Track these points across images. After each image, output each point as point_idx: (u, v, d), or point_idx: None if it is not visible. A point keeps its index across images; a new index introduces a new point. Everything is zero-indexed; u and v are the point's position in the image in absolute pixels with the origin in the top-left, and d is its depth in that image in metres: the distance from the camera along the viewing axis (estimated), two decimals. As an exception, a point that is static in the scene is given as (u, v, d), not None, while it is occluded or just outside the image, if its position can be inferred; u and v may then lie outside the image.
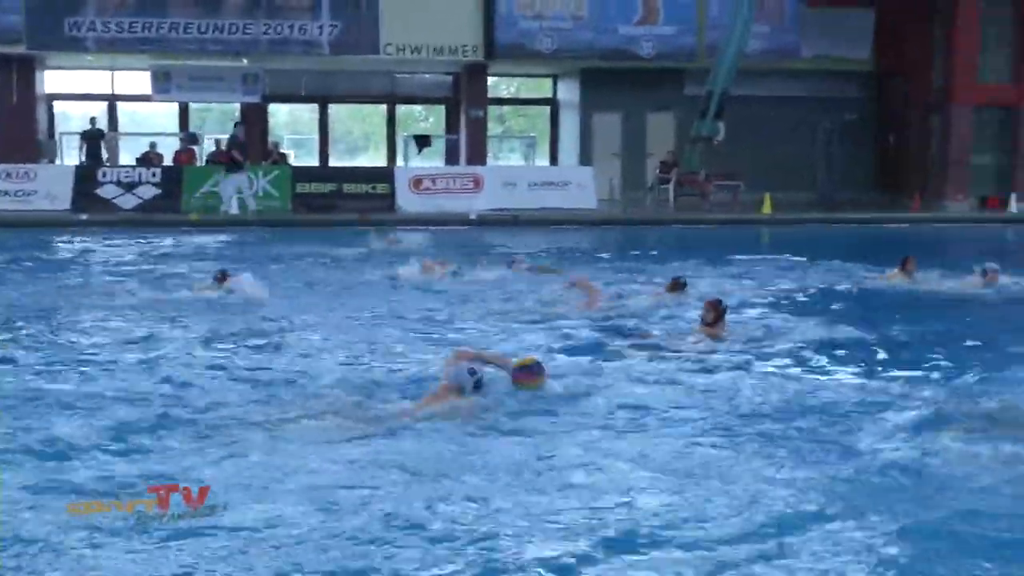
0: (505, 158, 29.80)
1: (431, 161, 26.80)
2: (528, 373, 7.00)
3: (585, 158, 26.29)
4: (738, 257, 15.28)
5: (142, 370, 7.85)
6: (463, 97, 26.57)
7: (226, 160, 21.87)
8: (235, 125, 23.12)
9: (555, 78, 28.40)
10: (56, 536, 4.62)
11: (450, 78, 27.57)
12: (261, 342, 8.95)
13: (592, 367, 7.85)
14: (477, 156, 25.69)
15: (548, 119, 29.12)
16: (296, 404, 6.85)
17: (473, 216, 21.74)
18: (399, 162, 26.48)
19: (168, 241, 18.06)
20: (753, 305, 11.14)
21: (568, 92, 27.80)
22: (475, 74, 25.93)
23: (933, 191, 24.80)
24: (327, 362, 8.18)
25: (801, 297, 12.05)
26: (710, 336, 8.85)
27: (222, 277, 11.39)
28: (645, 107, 26.69)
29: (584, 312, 10.24)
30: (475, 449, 5.92)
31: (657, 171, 24.87)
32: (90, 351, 8.56)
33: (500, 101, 29.84)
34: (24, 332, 9.37)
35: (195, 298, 11.00)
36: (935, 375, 7.94)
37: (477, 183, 23.39)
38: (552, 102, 28.89)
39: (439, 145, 27.44)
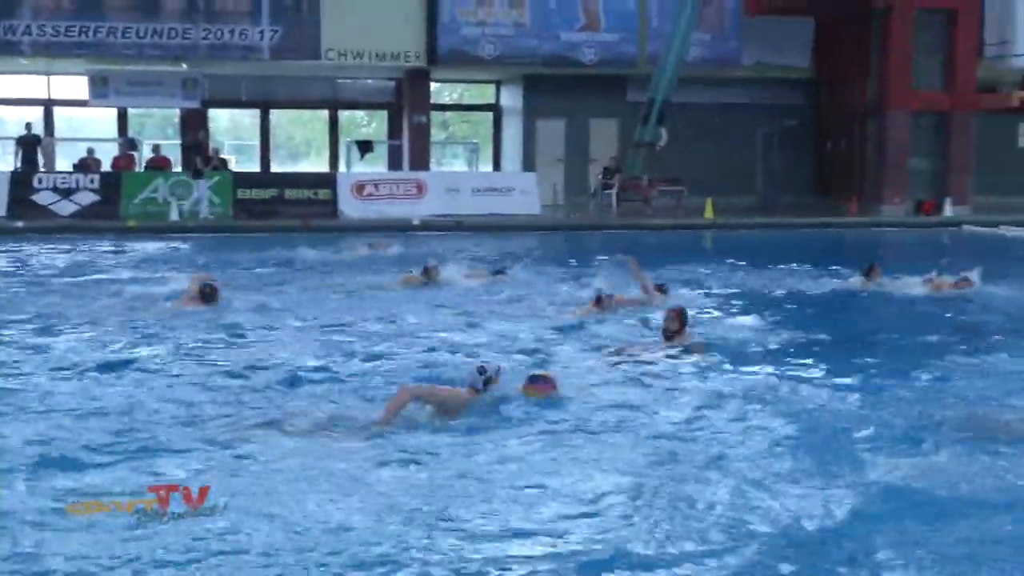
0: (448, 164, 29.78)
1: (374, 167, 26.72)
2: (542, 384, 7.05)
3: (528, 164, 26.35)
4: (687, 261, 15.39)
5: (138, 373, 7.94)
6: (406, 103, 26.51)
7: (213, 165, 21.85)
8: (199, 132, 22.93)
9: (498, 84, 28.44)
10: (56, 536, 4.64)
11: (392, 84, 27.50)
12: (255, 347, 9.01)
13: (560, 375, 7.83)
14: (420, 162, 25.64)
15: (491, 125, 29.15)
16: (293, 407, 6.90)
17: (416, 222, 21.69)
18: (341, 168, 26.38)
19: (153, 246, 17.99)
20: (707, 310, 11.22)
21: (511, 98, 27.85)
22: (417, 80, 25.87)
23: (870, 195, 25.17)
24: (322, 367, 8.23)
25: (749, 301, 12.16)
26: (674, 344, 8.83)
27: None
28: (588, 113, 26.83)
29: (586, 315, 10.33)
30: (452, 454, 5.95)
31: (600, 177, 25.03)
32: (81, 355, 8.58)
33: (443, 107, 29.81)
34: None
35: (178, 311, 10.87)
36: (906, 379, 8.08)
37: (420, 189, 23.35)
38: (495, 108, 28.92)
39: (382, 151, 27.36)
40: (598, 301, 10.55)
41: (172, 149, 25.77)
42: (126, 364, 8.27)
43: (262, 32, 23.98)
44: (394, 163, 26.80)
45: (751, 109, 27.37)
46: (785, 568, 4.52)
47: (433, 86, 27.06)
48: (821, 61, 26.52)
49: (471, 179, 25.00)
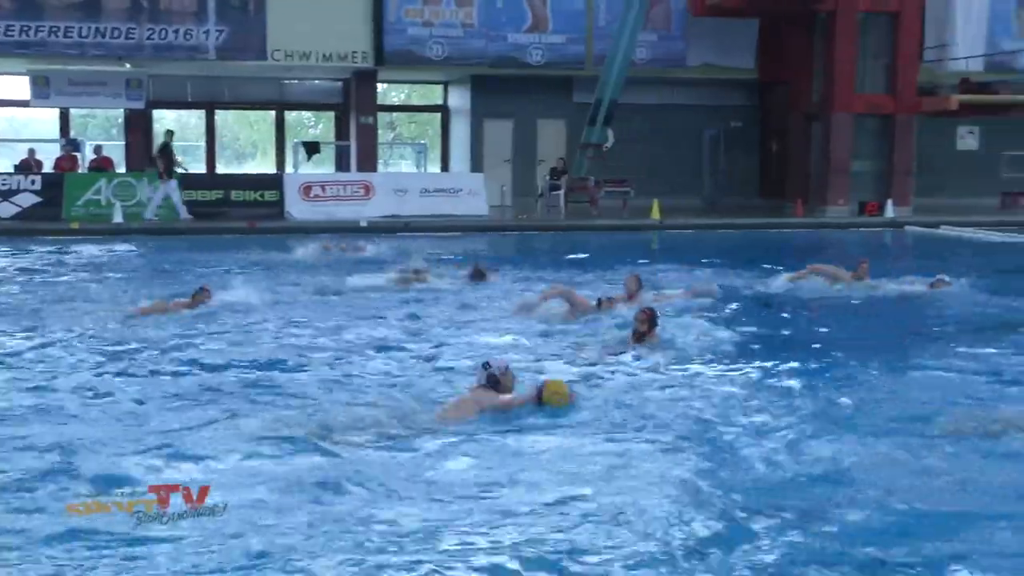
0: (396, 165, 29.73)
1: (321, 168, 26.59)
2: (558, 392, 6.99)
3: (476, 165, 26.36)
4: (634, 262, 15.47)
5: (137, 373, 8.00)
6: (353, 103, 26.41)
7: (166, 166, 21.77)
8: (166, 133, 22.69)
9: (446, 85, 28.43)
10: (56, 536, 4.66)
11: (340, 84, 27.39)
12: (252, 348, 9.07)
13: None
14: (367, 163, 25.56)
15: (439, 126, 29.13)
16: (300, 409, 6.94)
17: (363, 223, 21.62)
18: (288, 169, 26.23)
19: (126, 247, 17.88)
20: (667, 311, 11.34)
21: (459, 99, 27.85)
22: (365, 80, 25.79)
23: (815, 196, 25.44)
24: (322, 369, 8.30)
25: (704, 301, 12.23)
26: (643, 345, 8.89)
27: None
28: (535, 114, 26.90)
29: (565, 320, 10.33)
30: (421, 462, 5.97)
31: (547, 177, 25.10)
32: (81, 357, 8.62)
33: (390, 108, 29.76)
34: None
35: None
36: (865, 375, 8.25)
37: (367, 190, 23.27)
38: (443, 109, 28.91)
39: (329, 152, 27.25)
40: (599, 304, 10.66)
41: (115, 150, 25.49)
42: (124, 364, 8.33)
43: (207, 32, 23.77)
44: (341, 164, 26.70)
45: (697, 110, 27.63)
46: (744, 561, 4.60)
47: (380, 87, 27.00)
48: (766, 63, 26.76)
49: (419, 180, 24.96)
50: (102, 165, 23.76)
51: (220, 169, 27.43)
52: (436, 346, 9.17)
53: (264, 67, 24.87)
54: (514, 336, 9.64)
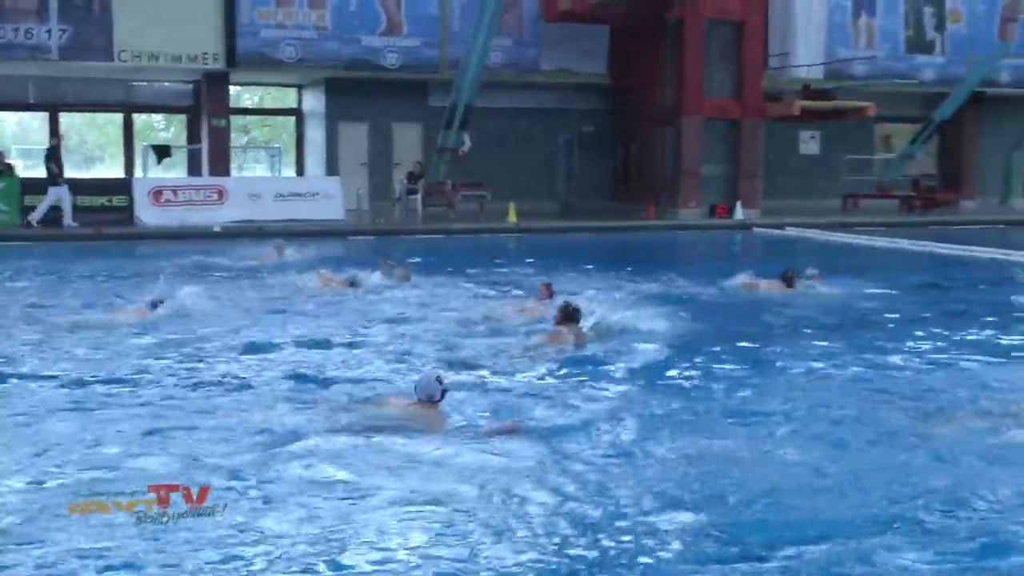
0: (250, 169, 29.27)
1: (172, 172, 25.99)
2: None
3: (332, 168, 26.16)
4: (494, 265, 15.60)
5: (136, 374, 8.09)
6: (204, 106, 25.89)
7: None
8: (55, 136, 21.85)
9: (300, 88, 28.11)
10: (56, 536, 4.71)
11: (190, 87, 26.80)
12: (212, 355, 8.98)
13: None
14: (220, 167, 25.08)
15: (293, 129, 28.79)
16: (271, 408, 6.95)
17: (217, 228, 21.23)
18: (137, 173, 25.53)
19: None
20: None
21: (313, 102, 27.58)
22: (216, 83, 25.30)
23: (667, 200, 26.02)
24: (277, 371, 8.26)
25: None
26: (568, 339, 9.07)
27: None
28: (391, 118, 26.85)
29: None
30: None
31: (404, 181, 25.07)
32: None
33: (243, 111, 29.29)
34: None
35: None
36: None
37: (221, 195, 22.85)
38: (297, 112, 28.59)
39: (180, 156, 26.66)
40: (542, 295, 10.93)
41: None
42: (121, 366, 8.38)
43: (50, 31, 22.98)
44: (193, 168, 26.14)
45: (552, 114, 28.00)
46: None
47: (233, 89, 26.54)
48: (619, 68, 27.27)
49: (273, 184, 24.62)
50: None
51: (65, 173, 26.39)
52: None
53: (110, 68, 24.16)
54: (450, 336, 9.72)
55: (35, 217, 21.01)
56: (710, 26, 25.76)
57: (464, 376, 8.00)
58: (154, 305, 10.68)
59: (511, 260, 17.58)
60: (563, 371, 8.32)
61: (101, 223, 21.10)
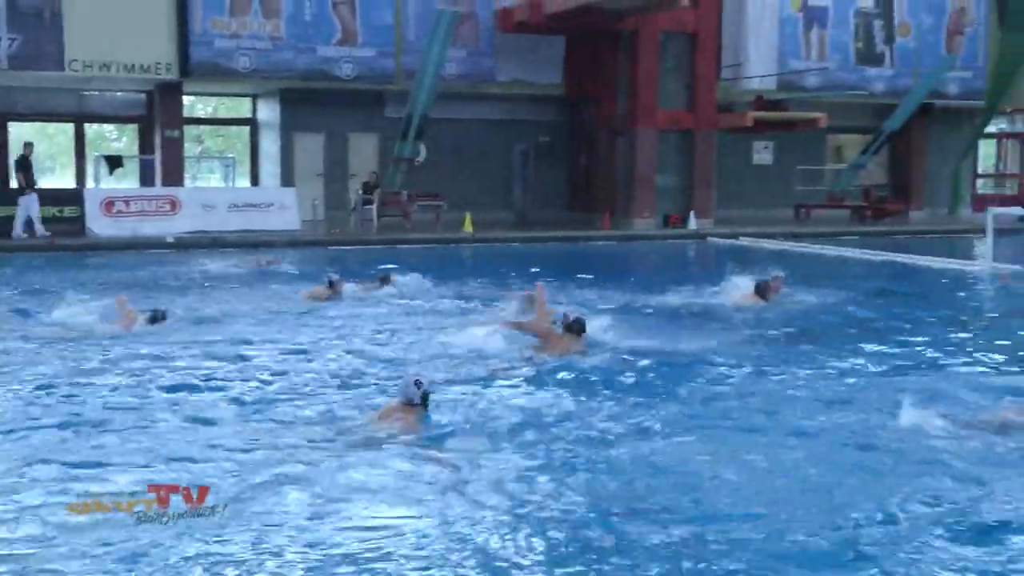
0: (204, 179, 29.02)
1: (124, 183, 25.76)
2: None
3: (287, 179, 26.05)
4: (452, 275, 15.56)
5: (140, 377, 8.19)
6: (157, 116, 25.68)
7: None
8: (25, 145, 21.55)
9: (254, 98, 27.97)
10: (56, 536, 4.74)
11: (143, 96, 26.57)
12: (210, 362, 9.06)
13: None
14: (173, 178, 24.90)
15: (248, 139, 28.63)
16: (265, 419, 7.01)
17: (170, 239, 21.08)
18: (89, 184, 25.28)
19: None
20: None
21: (268, 112, 27.45)
22: (169, 93, 25.12)
23: (622, 210, 26.18)
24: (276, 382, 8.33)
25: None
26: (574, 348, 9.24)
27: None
28: (347, 128, 26.80)
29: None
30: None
31: (360, 192, 25.03)
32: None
33: (197, 121, 29.06)
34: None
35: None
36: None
37: (174, 206, 22.70)
38: (252, 122, 28.43)
39: (132, 166, 26.43)
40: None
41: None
42: (120, 369, 8.47)
43: (-1, 40, 22.72)
44: (146, 179, 25.92)
45: (508, 125, 28.08)
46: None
47: (186, 99, 26.35)
48: (574, 79, 27.39)
49: (227, 195, 24.46)
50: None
51: (14, 184, 26.12)
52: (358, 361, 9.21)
53: (61, 78, 23.90)
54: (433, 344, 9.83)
55: (17, 232, 20.88)
56: (664, 37, 25.97)
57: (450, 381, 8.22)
58: (154, 319, 10.63)
59: (467, 270, 17.62)
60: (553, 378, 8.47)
61: (53, 235, 20.91)
